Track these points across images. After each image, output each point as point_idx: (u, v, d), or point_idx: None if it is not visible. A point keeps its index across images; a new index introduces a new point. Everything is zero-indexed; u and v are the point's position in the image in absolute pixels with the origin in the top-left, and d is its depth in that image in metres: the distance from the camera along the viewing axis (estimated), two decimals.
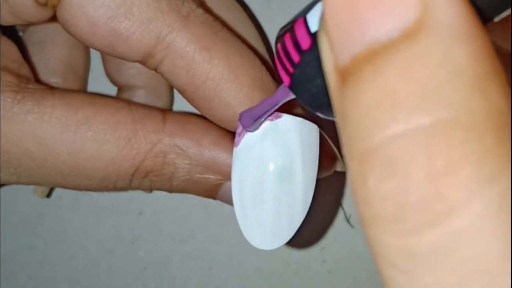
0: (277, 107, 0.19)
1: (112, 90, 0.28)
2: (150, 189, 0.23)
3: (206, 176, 0.22)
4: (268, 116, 0.20)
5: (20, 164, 0.21)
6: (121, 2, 0.19)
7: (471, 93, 0.10)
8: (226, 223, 0.30)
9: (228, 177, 0.22)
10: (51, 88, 0.22)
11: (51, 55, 0.26)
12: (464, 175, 0.10)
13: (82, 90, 0.28)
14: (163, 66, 0.21)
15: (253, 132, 0.20)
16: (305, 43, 0.15)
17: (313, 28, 0.14)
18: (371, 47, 0.10)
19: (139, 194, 0.30)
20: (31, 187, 0.29)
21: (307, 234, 0.30)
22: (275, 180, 0.20)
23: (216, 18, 0.22)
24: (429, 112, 0.10)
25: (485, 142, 0.10)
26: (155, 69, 0.21)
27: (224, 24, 0.22)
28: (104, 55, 0.27)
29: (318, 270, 0.30)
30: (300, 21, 0.15)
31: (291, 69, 0.15)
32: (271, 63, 0.25)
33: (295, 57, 0.15)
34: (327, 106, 0.15)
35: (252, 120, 0.19)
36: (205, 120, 0.23)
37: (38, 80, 0.25)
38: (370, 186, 0.10)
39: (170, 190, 0.23)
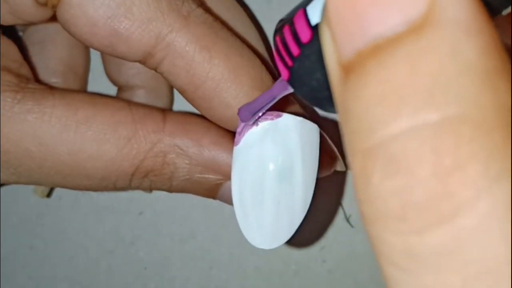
0: (275, 101, 0.18)
1: (112, 90, 0.28)
2: (150, 189, 0.23)
3: (206, 176, 0.22)
4: (267, 109, 0.19)
5: (20, 164, 0.21)
6: (121, 2, 0.19)
7: (480, 89, 0.10)
8: (226, 223, 0.30)
9: (228, 177, 0.22)
10: (51, 88, 0.22)
11: (51, 55, 0.26)
12: (472, 173, 0.10)
13: (82, 90, 0.28)
14: (163, 66, 0.21)
15: (254, 131, 0.20)
16: (305, 35, 0.14)
17: (314, 20, 0.14)
18: (375, 41, 0.10)
19: (139, 194, 0.30)
20: (31, 187, 0.29)
21: (307, 234, 0.30)
22: (275, 179, 0.20)
23: (216, 18, 0.22)
24: (437, 108, 0.10)
25: (493, 139, 0.10)
26: (155, 69, 0.21)
27: (224, 24, 0.22)
28: (104, 55, 0.27)
29: (318, 270, 0.30)
30: (300, 13, 0.14)
31: (290, 62, 0.15)
32: (271, 63, 0.25)
33: (294, 50, 0.15)
34: (326, 101, 0.15)
35: (251, 114, 0.19)
36: (205, 120, 0.23)
37: (38, 80, 0.25)
38: (373, 183, 0.10)
39: (170, 190, 0.23)
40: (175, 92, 0.28)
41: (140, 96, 0.26)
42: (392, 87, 0.10)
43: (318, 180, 0.21)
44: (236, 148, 0.20)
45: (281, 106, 0.22)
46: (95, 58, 0.28)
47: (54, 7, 0.20)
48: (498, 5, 0.12)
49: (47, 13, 0.21)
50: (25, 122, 0.20)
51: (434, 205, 0.10)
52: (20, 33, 0.26)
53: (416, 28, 0.10)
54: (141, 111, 0.22)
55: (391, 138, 0.10)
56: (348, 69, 0.10)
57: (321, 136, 0.22)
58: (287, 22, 0.15)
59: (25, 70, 0.22)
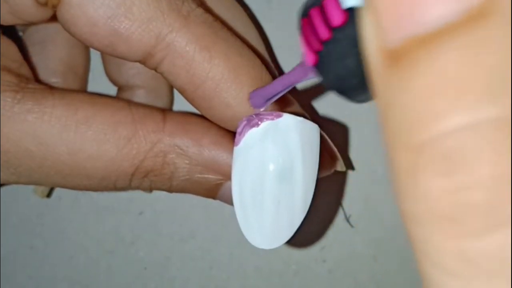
0: (291, 87, 0.17)
1: (112, 90, 0.28)
2: (150, 189, 0.23)
3: (206, 176, 0.22)
4: (282, 94, 0.19)
5: (20, 163, 0.21)
6: (121, 2, 0.19)
7: None
8: (226, 223, 0.30)
9: (228, 177, 0.22)
10: (51, 88, 0.22)
11: (51, 55, 0.26)
12: None
13: (82, 90, 0.28)
14: (163, 66, 0.21)
15: (254, 132, 0.20)
16: (337, 19, 0.13)
17: (348, 2, 0.13)
18: (428, 29, 0.09)
19: (139, 194, 0.30)
20: (31, 187, 0.29)
21: (307, 234, 0.30)
22: (275, 179, 0.20)
23: (216, 17, 0.22)
24: (498, 102, 0.09)
25: None
26: (155, 69, 0.21)
27: (224, 24, 0.22)
28: (104, 55, 0.27)
29: (318, 270, 0.30)
30: None
31: (318, 47, 0.14)
32: (271, 63, 0.25)
33: (324, 33, 0.14)
34: (354, 89, 0.14)
35: (264, 99, 0.19)
36: (205, 120, 0.23)
37: (38, 80, 0.25)
38: (424, 181, 0.10)
39: (170, 190, 0.23)
40: (175, 92, 0.28)
41: (140, 96, 0.26)
42: (449, 79, 0.09)
43: (318, 180, 0.21)
44: (236, 148, 0.20)
45: (281, 106, 0.22)
46: (95, 58, 0.28)
47: (54, 7, 0.20)
48: None
49: (47, 13, 0.21)
50: (25, 122, 0.20)
51: (495, 207, 0.09)
52: (20, 33, 0.26)
53: (474, 17, 0.09)
54: (141, 111, 0.22)
55: (447, 133, 0.09)
56: (395, 57, 0.10)
57: (321, 136, 0.22)
58: (315, 3, 0.14)
59: (25, 70, 0.22)
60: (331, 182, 0.30)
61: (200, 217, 0.30)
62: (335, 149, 0.25)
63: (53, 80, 0.26)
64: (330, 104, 0.30)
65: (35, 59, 0.25)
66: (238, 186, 0.20)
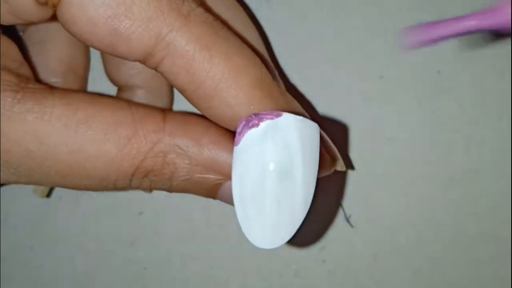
0: (470, 32, 0.15)
1: (112, 90, 0.28)
2: (150, 189, 0.23)
3: (206, 175, 0.22)
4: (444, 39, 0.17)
5: (20, 163, 0.21)
6: (121, 1, 0.19)
7: None
8: (226, 223, 0.30)
9: (228, 176, 0.22)
10: (51, 87, 0.22)
11: (51, 55, 0.26)
12: None
13: (82, 90, 0.28)
14: (163, 65, 0.21)
15: (254, 131, 0.20)
16: None
17: None
18: None
19: (139, 194, 0.30)
20: (31, 187, 0.29)
21: (307, 234, 0.30)
22: (276, 179, 0.20)
23: (216, 17, 0.22)
24: None
25: None
26: (155, 69, 0.21)
27: (224, 23, 0.22)
28: (104, 54, 0.27)
29: (318, 270, 0.30)
30: None
31: None
32: (271, 63, 0.25)
33: None
34: None
35: (430, 38, 0.17)
36: (205, 120, 0.22)
37: (38, 80, 0.25)
38: None
39: (170, 190, 0.23)
40: (175, 92, 0.28)
41: (140, 96, 0.26)
42: None
43: (318, 180, 0.21)
44: (236, 148, 0.20)
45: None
46: (95, 58, 0.28)
47: (54, 6, 0.20)
48: None
49: (47, 12, 0.21)
50: (25, 121, 0.20)
51: None
52: (20, 33, 0.26)
53: None
54: (141, 111, 0.22)
55: None
56: None
57: (321, 136, 0.22)
58: None
59: (25, 70, 0.22)
60: (331, 182, 0.30)
61: (200, 217, 0.30)
62: (335, 148, 0.25)
63: (53, 80, 0.26)
64: (330, 104, 0.30)
65: (35, 59, 0.25)
66: (238, 186, 0.20)
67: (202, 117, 0.23)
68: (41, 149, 0.21)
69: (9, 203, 0.30)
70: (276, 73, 0.25)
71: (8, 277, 0.31)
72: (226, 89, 0.21)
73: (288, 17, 0.30)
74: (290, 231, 0.21)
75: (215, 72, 0.20)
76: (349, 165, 0.30)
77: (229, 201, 0.21)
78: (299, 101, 0.24)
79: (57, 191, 0.30)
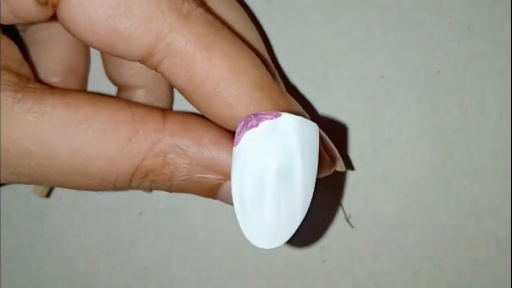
0: None
1: (112, 90, 0.28)
2: (150, 189, 0.23)
3: (206, 176, 0.22)
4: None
5: (20, 163, 0.21)
6: (121, 1, 0.19)
7: None
8: (226, 223, 0.30)
9: (228, 176, 0.22)
10: (51, 87, 0.22)
11: (51, 55, 0.26)
12: None
13: (82, 90, 0.28)
14: (163, 65, 0.21)
15: (253, 132, 0.20)
16: None
17: None
18: None
19: (139, 194, 0.30)
20: (31, 187, 0.29)
21: (307, 234, 0.30)
22: (275, 179, 0.20)
23: (217, 17, 0.22)
24: None
25: None
26: (155, 69, 0.21)
27: (224, 23, 0.22)
28: (104, 54, 0.27)
29: (318, 270, 0.30)
30: None
31: None
32: (271, 63, 0.25)
33: None
34: None
35: None
36: (205, 120, 0.22)
37: (38, 80, 0.25)
38: None
39: (170, 190, 0.23)
40: (175, 92, 0.28)
41: (140, 96, 0.26)
42: None
43: (318, 181, 0.21)
44: (236, 149, 0.20)
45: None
46: (95, 58, 0.28)
47: (54, 6, 0.20)
48: None
49: (47, 12, 0.21)
50: (25, 121, 0.20)
51: None
52: (20, 33, 0.26)
53: None
54: (141, 111, 0.22)
55: None
56: None
57: (321, 136, 0.22)
58: None
59: (25, 70, 0.22)
60: (331, 182, 0.30)
61: (200, 217, 0.30)
62: (335, 149, 0.25)
63: (53, 80, 0.26)
64: (330, 104, 0.30)
65: (35, 58, 0.25)
66: (237, 186, 0.20)
67: (202, 117, 0.23)
68: (41, 148, 0.21)
69: (9, 203, 0.30)
70: (276, 73, 0.25)
71: (8, 277, 0.31)
72: (226, 89, 0.21)
73: (288, 17, 0.30)
74: (289, 232, 0.21)
75: (215, 72, 0.20)
76: (349, 165, 0.30)
77: (229, 201, 0.21)
78: (299, 102, 0.24)
79: (57, 191, 0.30)
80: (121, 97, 0.27)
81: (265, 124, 0.20)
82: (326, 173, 0.24)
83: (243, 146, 0.20)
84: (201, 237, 0.30)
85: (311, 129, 0.21)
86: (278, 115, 0.20)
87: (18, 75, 0.21)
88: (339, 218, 0.30)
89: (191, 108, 0.22)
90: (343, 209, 0.30)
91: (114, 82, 0.27)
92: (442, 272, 0.30)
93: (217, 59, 0.20)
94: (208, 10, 0.22)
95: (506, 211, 0.30)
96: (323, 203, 0.30)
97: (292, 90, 0.29)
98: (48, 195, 0.30)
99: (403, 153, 0.30)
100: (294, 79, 0.30)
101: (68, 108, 0.21)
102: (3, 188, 0.30)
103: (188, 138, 0.22)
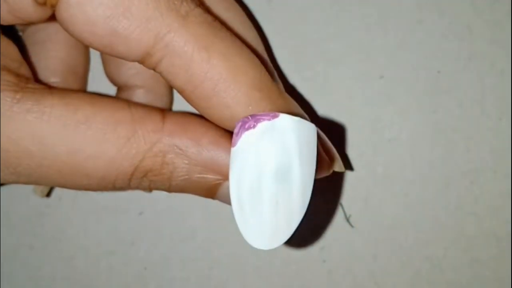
0: None
1: (112, 90, 0.28)
2: (149, 189, 0.23)
3: (205, 176, 0.22)
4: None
5: (20, 163, 0.21)
6: (120, 2, 0.19)
7: None
8: (226, 223, 0.30)
9: (227, 177, 0.22)
10: (50, 87, 0.22)
11: (51, 55, 0.26)
12: None
13: (82, 90, 0.28)
14: (162, 65, 0.21)
15: (251, 132, 0.20)
16: None
17: None
18: None
19: (139, 194, 0.30)
20: (31, 187, 0.29)
21: (307, 234, 0.30)
22: (273, 179, 0.20)
23: (215, 17, 0.22)
24: None
25: None
26: (154, 69, 0.21)
27: (223, 24, 0.22)
28: (103, 55, 0.27)
29: (318, 270, 0.30)
30: None
31: None
32: (270, 64, 0.25)
33: None
34: None
35: None
36: (204, 120, 0.22)
37: (37, 80, 0.25)
38: None
39: (169, 190, 0.23)
40: (175, 92, 0.28)
41: (139, 96, 0.26)
42: None
43: (316, 181, 0.21)
44: (233, 149, 0.20)
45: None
46: (95, 58, 0.28)
47: (53, 6, 0.20)
48: None
49: (46, 12, 0.21)
50: (25, 121, 0.20)
51: None
52: (20, 33, 0.26)
53: None
54: (140, 111, 0.22)
55: None
56: None
57: (319, 137, 0.22)
58: None
59: (24, 70, 0.23)
60: (330, 182, 0.30)
61: (200, 217, 0.30)
62: (333, 149, 0.25)
63: (53, 80, 0.26)
64: (330, 104, 0.30)
65: (35, 59, 0.25)
66: (235, 187, 0.20)
67: (202, 117, 0.23)
68: (40, 149, 0.21)
69: (9, 203, 0.30)
70: (275, 73, 0.25)
71: (8, 277, 0.31)
72: (224, 90, 0.21)
73: (288, 17, 0.30)
74: (287, 232, 0.21)
75: (214, 73, 0.20)
76: (348, 165, 0.30)
77: (228, 201, 0.21)
78: (298, 102, 0.24)
79: (56, 191, 0.30)
80: (121, 97, 0.27)
81: (262, 125, 0.20)
82: (325, 173, 0.24)
83: (241, 147, 0.20)
84: (200, 237, 0.30)
85: (309, 130, 0.21)
86: (276, 116, 0.20)
87: (18, 75, 0.21)
88: (339, 218, 0.30)
89: (190, 109, 0.22)
90: (343, 209, 0.30)
91: (113, 82, 0.27)
92: (442, 272, 0.30)
93: (215, 59, 0.20)
94: (207, 10, 0.22)
95: (506, 211, 0.30)
96: (323, 203, 0.30)
97: (291, 90, 0.29)
98: (48, 195, 0.30)
99: (403, 153, 0.30)
100: (294, 79, 0.30)
101: (67, 108, 0.21)
102: (3, 188, 0.30)
103: (187, 138, 0.22)
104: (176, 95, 0.28)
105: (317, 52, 0.30)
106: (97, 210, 0.30)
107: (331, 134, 0.25)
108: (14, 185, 0.30)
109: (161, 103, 0.27)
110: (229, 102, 0.21)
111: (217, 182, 0.22)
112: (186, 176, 0.22)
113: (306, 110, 0.24)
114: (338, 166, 0.25)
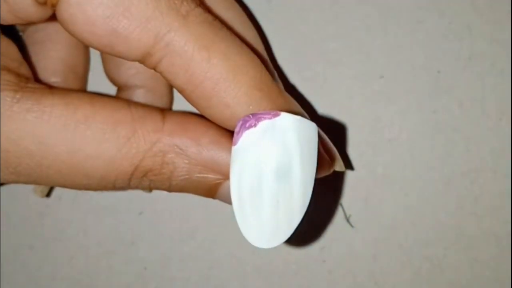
0: None
1: (112, 90, 0.28)
2: (149, 189, 0.23)
3: (205, 175, 0.22)
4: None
5: (20, 163, 0.21)
6: (120, 1, 0.19)
7: None
8: (226, 223, 0.30)
9: (227, 176, 0.22)
10: (50, 87, 0.22)
11: (51, 55, 0.26)
12: None
13: (82, 90, 0.28)
14: (162, 65, 0.21)
15: (251, 131, 0.20)
16: None
17: None
18: None
19: (139, 194, 0.30)
20: (31, 186, 0.29)
21: (307, 234, 0.30)
22: (273, 178, 0.20)
23: (216, 17, 0.22)
24: None
25: None
26: (154, 69, 0.21)
27: (223, 23, 0.22)
28: (103, 54, 0.27)
29: (318, 270, 0.30)
30: None
31: None
32: (270, 63, 0.25)
33: None
34: None
35: None
36: (204, 120, 0.22)
37: (37, 80, 0.25)
38: None
39: (169, 189, 0.23)
40: (175, 92, 0.28)
41: (139, 96, 0.26)
42: None
43: (317, 181, 0.21)
44: (234, 148, 0.20)
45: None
46: (95, 58, 0.28)
47: (53, 6, 0.20)
48: None
49: (46, 12, 0.21)
50: (25, 121, 0.20)
51: None
52: (20, 33, 0.26)
53: None
54: (140, 111, 0.22)
55: None
56: None
57: (320, 136, 0.22)
58: None
59: (24, 70, 0.23)
60: (330, 182, 0.30)
61: (200, 217, 0.30)
62: (334, 148, 0.25)
63: (53, 80, 0.26)
64: (330, 104, 0.30)
65: (35, 58, 0.25)
66: (236, 186, 0.20)
67: (202, 117, 0.23)
68: (40, 148, 0.21)
69: (9, 203, 0.30)
70: (275, 73, 0.25)
71: (8, 277, 0.31)
72: (224, 89, 0.21)
73: (288, 17, 0.30)
74: (288, 231, 0.21)
75: (214, 72, 0.20)
76: (348, 165, 0.30)
77: (228, 200, 0.21)
78: (298, 102, 0.24)
79: (56, 190, 0.30)
80: (121, 97, 0.27)
81: (263, 124, 0.20)
82: (325, 173, 0.24)
83: (241, 146, 0.20)
84: (200, 237, 0.30)
85: (310, 129, 0.21)
86: (277, 115, 0.20)
87: (18, 75, 0.21)
88: (339, 218, 0.30)
89: (190, 108, 0.22)
90: (343, 209, 0.30)
91: (113, 82, 0.27)
92: (442, 272, 0.30)
93: (216, 59, 0.20)
94: (207, 10, 0.22)
95: (506, 211, 0.30)
96: (323, 203, 0.30)
97: (291, 90, 0.29)
98: (48, 195, 0.30)
99: (403, 153, 0.30)
100: (294, 79, 0.30)
101: (67, 108, 0.21)
102: (3, 188, 0.30)
103: (187, 138, 0.22)
104: (176, 94, 0.28)
105: (317, 52, 0.30)
106: (97, 210, 0.30)
107: (332, 133, 0.25)
108: (14, 185, 0.30)
109: (161, 103, 0.27)
110: (229, 102, 0.21)
111: (217, 181, 0.22)
112: (186, 176, 0.22)
113: (306, 109, 0.24)
114: (339, 166, 0.25)
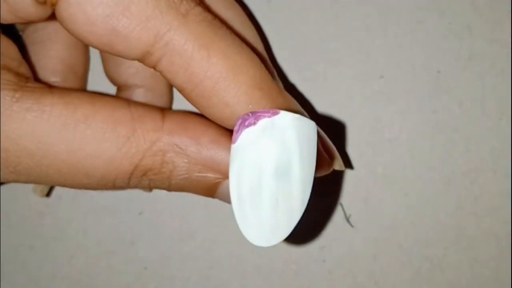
0: None
1: (112, 90, 0.28)
2: (149, 188, 0.23)
3: (205, 174, 0.22)
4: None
5: (19, 162, 0.21)
6: (119, 0, 0.19)
7: None
8: (226, 223, 0.30)
9: (226, 175, 0.22)
10: (50, 87, 0.22)
11: (50, 54, 0.26)
12: None
13: (82, 89, 0.28)
14: (162, 64, 0.21)
15: (251, 130, 0.20)
16: None
17: None
18: None
19: (139, 194, 0.30)
20: (31, 186, 0.29)
21: (307, 234, 0.30)
22: (273, 177, 0.20)
23: (215, 16, 0.22)
24: None
25: None
26: (154, 68, 0.21)
27: (223, 22, 0.22)
28: (103, 54, 0.27)
29: (318, 270, 0.30)
30: None
31: None
32: (269, 62, 0.25)
33: None
34: None
35: None
36: (204, 119, 0.22)
37: (37, 79, 0.25)
38: None
39: (169, 189, 0.23)
40: (175, 91, 0.28)
41: (139, 95, 0.26)
42: None
43: (316, 181, 0.21)
44: (234, 147, 0.20)
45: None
46: (95, 57, 0.28)
47: (53, 5, 0.20)
48: None
49: (46, 11, 0.21)
50: (24, 120, 0.20)
51: None
52: (20, 33, 0.26)
53: None
54: (140, 110, 0.22)
55: None
56: None
57: (319, 134, 0.22)
58: None
59: (24, 69, 0.23)
60: (329, 181, 0.30)
61: (200, 217, 0.30)
62: (333, 147, 0.25)
63: (53, 79, 0.26)
64: (330, 104, 0.30)
65: (35, 58, 0.25)
66: (235, 184, 0.20)
67: (201, 116, 0.23)
68: (40, 148, 0.21)
69: (9, 203, 0.30)
70: (275, 72, 0.25)
71: (8, 277, 0.31)
72: (224, 88, 0.21)
73: (288, 17, 0.30)
74: (287, 230, 0.21)
75: (214, 71, 0.20)
76: (348, 164, 0.30)
77: (228, 200, 0.21)
78: (298, 101, 0.24)
79: (56, 190, 0.30)
80: (120, 96, 0.27)
81: (263, 122, 0.20)
82: (325, 171, 0.24)
83: (241, 144, 0.20)
84: (200, 236, 0.30)
85: (309, 127, 0.21)
86: (276, 113, 0.20)
87: (17, 74, 0.21)
88: (339, 218, 0.30)
89: (190, 107, 0.22)
90: (343, 209, 0.30)
91: (113, 81, 0.27)
92: (442, 272, 0.30)
93: (215, 58, 0.20)
94: (207, 9, 0.22)
95: (506, 211, 0.30)
96: (323, 203, 0.30)
97: (291, 89, 0.29)
98: (48, 194, 0.30)
99: (403, 153, 0.30)
100: (294, 79, 0.30)
101: (67, 107, 0.21)
102: (3, 188, 0.30)
103: (187, 137, 0.22)
104: (176, 94, 0.28)
105: (317, 52, 0.30)
106: (97, 210, 0.30)
107: (331, 132, 0.25)
108: (14, 185, 0.30)
109: (160, 102, 0.27)
110: (229, 101, 0.21)
111: (217, 181, 0.22)
112: (186, 175, 0.22)
113: (306, 109, 0.24)
114: (338, 165, 0.25)
